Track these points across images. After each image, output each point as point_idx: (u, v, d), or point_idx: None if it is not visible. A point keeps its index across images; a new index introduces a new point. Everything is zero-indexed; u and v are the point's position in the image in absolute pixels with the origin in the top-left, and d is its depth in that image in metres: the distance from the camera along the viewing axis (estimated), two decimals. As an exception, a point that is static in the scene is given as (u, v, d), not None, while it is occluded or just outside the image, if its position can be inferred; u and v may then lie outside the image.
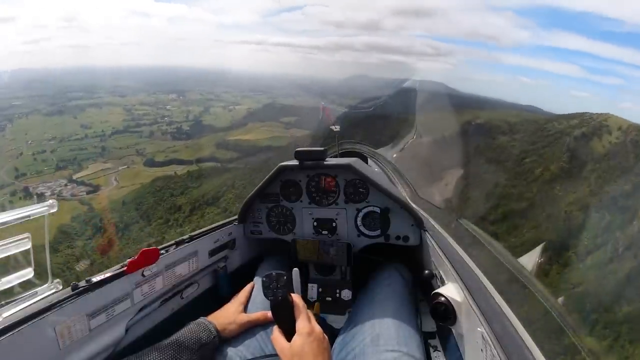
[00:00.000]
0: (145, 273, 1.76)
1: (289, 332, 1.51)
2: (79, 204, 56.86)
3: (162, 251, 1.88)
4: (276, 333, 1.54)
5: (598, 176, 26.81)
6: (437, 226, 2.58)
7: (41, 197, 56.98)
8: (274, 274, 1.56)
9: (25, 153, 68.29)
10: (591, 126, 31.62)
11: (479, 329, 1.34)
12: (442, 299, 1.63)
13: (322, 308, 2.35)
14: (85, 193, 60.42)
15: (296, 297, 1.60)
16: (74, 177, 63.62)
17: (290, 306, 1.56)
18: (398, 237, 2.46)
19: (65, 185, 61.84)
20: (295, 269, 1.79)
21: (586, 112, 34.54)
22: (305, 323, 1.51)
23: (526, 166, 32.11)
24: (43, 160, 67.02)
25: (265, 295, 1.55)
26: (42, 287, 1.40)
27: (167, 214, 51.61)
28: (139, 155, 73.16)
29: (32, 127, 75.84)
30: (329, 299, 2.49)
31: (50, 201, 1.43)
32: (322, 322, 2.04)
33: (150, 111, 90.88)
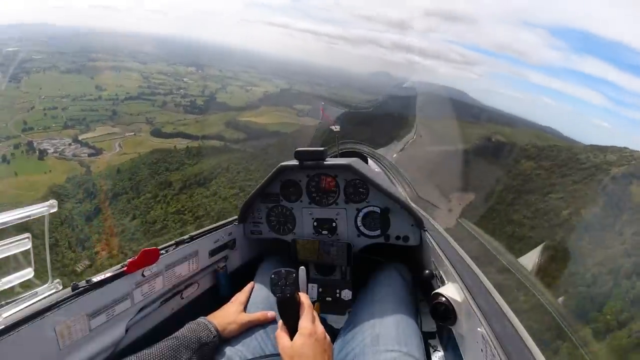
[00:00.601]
0: (145, 273, 1.76)
1: (293, 330, 1.51)
2: (78, 165, 57.22)
3: (162, 251, 1.88)
4: (280, 330, 1.54)
5: (635, 232, 22.57)
6: (437, 226, 2.58)
7: (43, 153, 57.84)
8: (283, 271, 1.57)
9: (36, 107, 68.41)
10: (632, 165, 26.77)
11: (479, 329, 1.35)
12: (442, 299, 1.64)
13: (322, 308, 2.35)
14: (87, 155, 60.70)
15: (303, 296, 1.61)
16: (80, 138, 63.66)
17: (297, 304, 1.57)
18: (398, 237, 2.47)
19: (69, 144, 61.97)
20: (301, 267, 1.78)
21: (625, 148, 30.28)
22: (308, 323, 1.51)
23: (551, 203, 28.13)
24: (53, 117, 67.09)
25: (273, 292, 1.55)
26: (42, 287, 1.39)
27: (156, 189, 51.50)
28: (148, 124, 73.06)
29: (48, 83, 75.98)
30: (329, 299, 2.49)
31: (51, 201, 1.42)
32: (322, 322, 2.00)
33: (167, 81, 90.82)
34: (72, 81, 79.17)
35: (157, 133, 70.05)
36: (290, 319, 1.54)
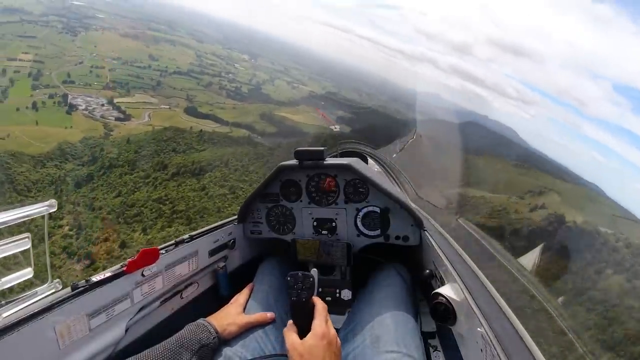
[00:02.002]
0: (145, 273, 1.76)
1: (303, 331, 1.51)
2: (102, 127, 58.40)
3: (162, 251, 1.88)
4: (289, 328, 1.54)
5: None
6: (437, 226, 2.59)
7: (72, 108, 59.28)
8: (300, 274, 1.57)
9: (85, 63, 70.08)
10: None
11: (478, 329, 1.35)
12: (442, 299, 1.64)
13: None
14: (114, 119, 61.68)
15: (318, 300, 1.61)
16: (115, 101, 64.90)
17: (311, 308, 1.56)
18: (398, 237, 2.46)
19: (102, 105, 63.31)
20: (314, 269, 1.79)
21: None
22: (322, 324, 1.51)
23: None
24: (97, 76, 68.70)
25: (289, 294, 1.55)
26: (42, 287, 1.39)
27: (151, 169, 51.78)
28: (187, 100, 74.17)
29: (103, 43, 77.65)
30: (329, 299, 2.48)
31: (50, 201, 1.40)
32: None
33: (219, 64, 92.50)
34: (128, 46, 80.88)
35: (190, 111, 70.86)
36: (302, 321, 1.53)
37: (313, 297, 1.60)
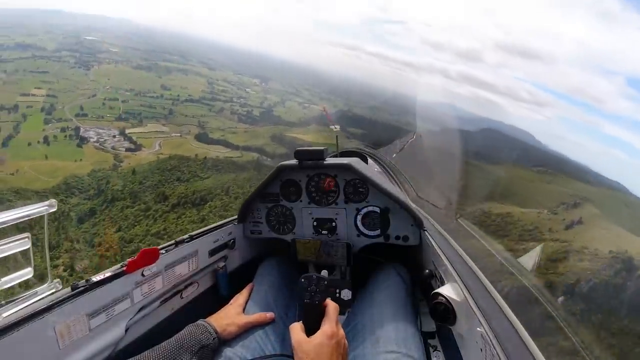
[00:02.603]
0: (145, 273, 1.77)
1: (310, 332, 1.49)
2: (112, 158, 58.62)
3: (161, 251, 1.89)
4: (297, 325, 1.53)
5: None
6: (437, 226, 2.56)
7: (84, 140, 59.66)
8: (314, 276, 1.57)
9: (98, 96, 71.20)
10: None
11: (478, 329, 1.35)
12: (442, 299, 1.63)
13: None
14: (124, 149, 61.99)
15: (331, 302, 1.59)
16: (127, 132, 65.39)
17: (322, 312, 1.55)
18: (398, 237, 2.45)
19: (114, 136, 63.79)
20: (324, 270, 1.85)
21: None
22: (332, 324, 1.49)
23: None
24: (110, 108, 69.65)
25: (301, 296, 1.55)
26: (42, 287, 1.39)
27: (152, 201, 51.60)
28: (199, 127, 74.74)
29: (116, 75, 79.04)
30: (329, 299, 2.46)
31: (50, 200, 1.42)
32: None
33: (230, 89, 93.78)
34: (140, 77, 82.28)
35: (201, 138, 71.35)
36: (312, 323, 1.52)
37: (329, 300, 1.59)
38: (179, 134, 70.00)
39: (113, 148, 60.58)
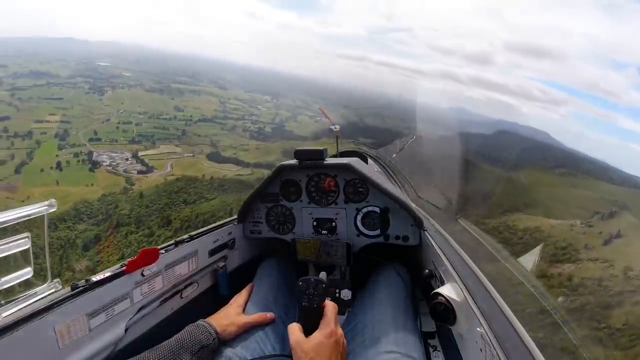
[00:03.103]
0: (144, 273, 1.77)
1: (309, 332, 1.49)
2: (123, 182, 58.38)
3: (161, 251, 1.90)
4: (295, 325, 1.53)
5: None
6: (437, 226, 2.56)
7: (96, 165, 59.41)
8: (312, 279, 1.57)
9: (112, 120, 71.51)
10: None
11: (478, 329, 1.35)
12: (442, 298, 1.63)
13: None
14: (136, 172, 61.73)
15: (330, 303, 1.59)
16: (140, 154, 65.22)
17: (321, 314, 1.55)
18: (398, 237, 2.46)
19: (126, 159, 63.45)
20: (323, 272, 1.78)
21: None
22: (331, 323, 1.50)
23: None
24: (124, 131, 69.66)
25: (299, 299, 1.55)
26: (42, 287, 1.41)
27: (156, 226, 50.81)
28: (211, 146, 74.85)
29: (130, 99, 79.66)
30: (328, 298, 2.46)
31: (50, 200, 1.43)
32: None
33: (242, 107, 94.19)
34: (153, 100, 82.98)
35: (213, 157, 71.41)
36: (311, 326, 1.52)
37: (327, 301, 1.60)
38: (191, 154, 70.00)
39: (125, 171, 60.40)
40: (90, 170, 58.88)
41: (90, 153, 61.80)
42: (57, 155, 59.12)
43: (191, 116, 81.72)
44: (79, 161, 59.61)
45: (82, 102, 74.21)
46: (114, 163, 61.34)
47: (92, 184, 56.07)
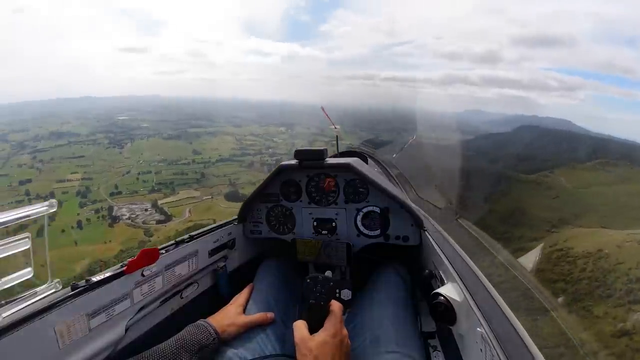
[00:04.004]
0: (145, 273, 1.78)
1: (314, 330, 1.49)
2: (142, 234, 58.29)
3: (161, 251, 1.90)
4: (300, 322, 1.53)
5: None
6: (437, 226, 2.55)
7: (115, 220, 59.28)
8: (320, 277, 1.58)
9: (132, 172, 72.49)
10: None
11: (478, 329, 1.34)
12: (442, 298, 1.63)
13: None
14: (155, 222, 61.70)
15: (336, 303, 1.60)
16: (159, 203, 65.51)
17: (326, 313, 1.55)
18: (398, 237, 2.45)
19: (145, 210, 63.66)
20: (328, 271, 1.84)
21: None
22: (337, 323, 1.50)
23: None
24: (144, 181, 70.14)
25: (307, 296, 1.55)
26: (42, 287, 1.40)
27: None
28: (229, 185, 75.71)
29: (149, 149, 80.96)
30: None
31: (50, 200, 1.43)
32: None
33: (258, 142, 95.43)
34: (172, 146, 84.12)
35: (230, 196, 71.35)
36: (316, 324, 1.53)
37: (334, 301, 1.60)
38: (209, 197, 70.18)
39: (144, 222, 60.16)
40: (110, 225, 58.39)
41: (110, 208, 61.94)
42: (78, 214, 59.41)
43: (209, 158, 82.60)
44: (99, 217, 59.53)
45: (103, 157, 75.44)
46: (133, 215, 61.06)
47: (110, 241, 55.69)
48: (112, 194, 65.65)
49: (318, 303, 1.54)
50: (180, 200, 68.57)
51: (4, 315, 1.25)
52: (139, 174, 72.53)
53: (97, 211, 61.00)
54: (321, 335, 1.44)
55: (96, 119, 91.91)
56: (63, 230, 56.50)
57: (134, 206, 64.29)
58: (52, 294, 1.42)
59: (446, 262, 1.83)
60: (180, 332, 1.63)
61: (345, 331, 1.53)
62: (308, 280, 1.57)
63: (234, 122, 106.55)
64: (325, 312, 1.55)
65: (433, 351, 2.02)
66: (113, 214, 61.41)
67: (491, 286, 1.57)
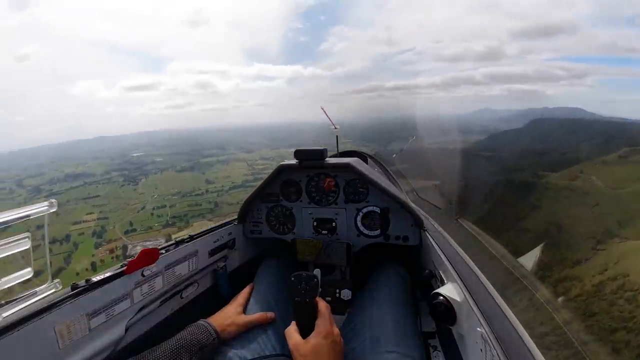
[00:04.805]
0: (145, 273, 1.78)
1: (305, 332, 1.51)
2: None
3: (161, 251, 1.91)
4: (291, 328, 1.55)
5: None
6: (437, 226, 2.54)
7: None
8: (304, 274, 1.58)
9: (147, 208, 72.88)
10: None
11: (478, 329, 1.34)
12: (442, 298, 1.63)
13: None
14: None
15: (321, 301, 1.62)
16: (173, 237, 64.55)
17: (314, 309, 1.57)
18: (398, 237, 2.45)
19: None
20: (317, 269, 1.82)
21: None
22: (326, 324, 1.52)
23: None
24: (158, 216, 70.28)
25: (293, 295, 1.56)
26: (42, 287, 1.41)
27: None
28: (242, 212, 75.46)
29: (163, 183, 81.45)
30: (329, 299, 2.46)
31: (51, 200, 1.44)
32: None
33: (269, 165, 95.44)
34: (185, 178, 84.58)
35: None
36: (305, 321, 1.54)
37: (319, 299, 1.62)
38: (222, 225, 70.38)
39: None
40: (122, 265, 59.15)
41: (124, 247, 62.05)
42: (93, 255, 59.64)
43: (222, 186, 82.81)
44: (112, 258, 59.93)
45: (118, 195, 75.72)
46: (146, 253, 61.71)
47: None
48: (127, 232, 65.61)
49: (303, 300, 1.55)
50: (194, 231, 68.82)
51: (4, 315, 1.26)
52: (153, 209, 72.70)
53: (111, 251, 60.95)
54: (313, 338, 1.46)
55: (110, 157, 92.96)
56: (77, 274, 56.62)
57: (147, 243, 63.96)
58: (52, 293, 1.42)
59: (446, 262, 1.83)
60: (180, 332, 1.63)
61: (336, 330, 1.54)
62: (292, 279, 1.58)
63: (245, 148, 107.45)
64: (313, 309, 1.56)
65: (433, 351, 2.04)
66: (127, 252, 61.45)
67: (491, 286, 1.58)
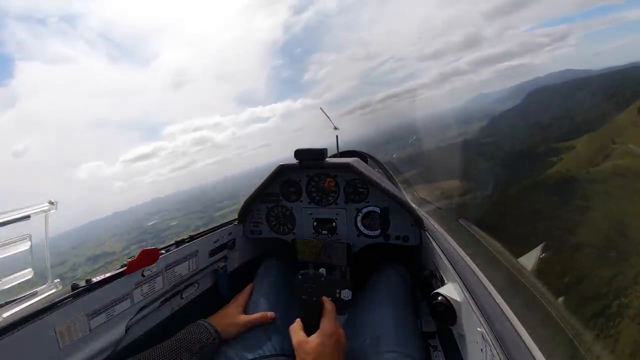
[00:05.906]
0: (145, 273, 1.77)
1: (310, 331, 1.51)
2: None
3: (162, 251, 1.90)
4: (297, 325, 1.54)
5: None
6: (437, 226, 2.52)
7: None
8: (311, 273, 1.60)
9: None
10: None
11: (479, 329, 1.33)
12: (442, 299, 1.62)
13: None
14: None
15: (327, 301, 1.62)
16: None
17: (320, 308, 1.57)
18: (398, 237, 2.43)
19: None
20: (322, 269, 1.81)
21: None
22: (332, 322, 1.51)
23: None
24: None
25: (300, 293, 1.58)
26: (42, 287, 1.40)
27: None
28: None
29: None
30: (329, 299, 2.43)
31: (51, 200, 1.43)
32: None
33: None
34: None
35: None
36: (312, 320, 1.55)
37: (324, 298, 1.63)
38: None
39: None
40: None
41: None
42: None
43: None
44: None
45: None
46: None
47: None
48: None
49: (310, 299, 1.57)
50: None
51: (4, 315, 1.26)
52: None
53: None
54: (318, 337, 1.46)
55: (127, 232, 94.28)
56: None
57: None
58: (52, 294, 1.43)
59: (446, 262, 1.82)
60: (181, 332, 1.64)
61: (341, 330, 1.54)
62: (299, 277, 1.60)
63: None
64: (319, 308, 1.57)
65: (433, 351, 2.04)
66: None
67: (491, 286, 1.58)
